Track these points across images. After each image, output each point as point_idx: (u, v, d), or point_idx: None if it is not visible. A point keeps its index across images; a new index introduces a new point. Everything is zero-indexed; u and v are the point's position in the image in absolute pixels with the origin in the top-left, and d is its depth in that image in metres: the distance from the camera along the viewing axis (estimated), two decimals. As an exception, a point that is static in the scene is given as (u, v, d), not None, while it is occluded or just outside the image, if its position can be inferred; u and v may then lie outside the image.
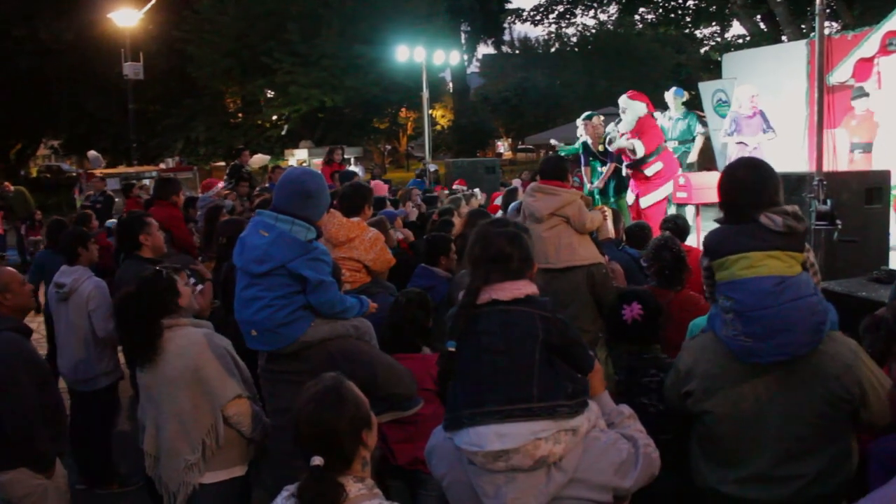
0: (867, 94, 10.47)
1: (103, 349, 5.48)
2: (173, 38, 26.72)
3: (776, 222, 2.69)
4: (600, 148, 10.74)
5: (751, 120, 10.39)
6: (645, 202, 9.69)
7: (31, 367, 3.81)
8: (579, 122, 11.37)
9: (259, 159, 13.56)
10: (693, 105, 12.00)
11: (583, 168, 11.29)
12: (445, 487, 2.40)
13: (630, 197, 10.14)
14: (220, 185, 10.65)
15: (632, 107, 9.68)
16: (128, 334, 3.63)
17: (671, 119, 11.30)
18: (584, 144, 11.08)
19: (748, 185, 2.81)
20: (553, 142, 12.46)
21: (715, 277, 2.84)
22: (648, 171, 9.56)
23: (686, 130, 11.15)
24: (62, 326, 5.53)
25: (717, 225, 2.93)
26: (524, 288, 2.29)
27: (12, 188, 18.55)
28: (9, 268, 4.11)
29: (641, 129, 9.58)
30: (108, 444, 5.80)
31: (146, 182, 15.00)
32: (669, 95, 11.23)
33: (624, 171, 10.13)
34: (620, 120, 9.81)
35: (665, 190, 9.54)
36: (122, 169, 18.79)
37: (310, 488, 2.12)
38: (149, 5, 23.11)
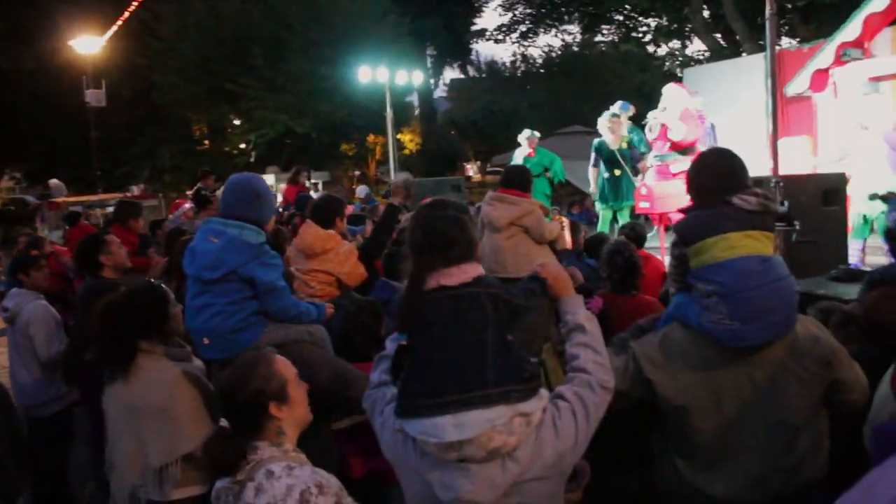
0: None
1: (52, 373, 5.30)
2: (137, 66, 26.57)
3: (750, 202, 2.71)
4: (623, 144, 10.65)
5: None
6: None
7: None
8: (523, 138, 11.41)
9: None
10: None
11: (590, 169, 11.15)
12: (399, 476, 2.33)
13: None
14: (188, 205, 10.48)
15: (672, 98, 9.64)
16: (102, 345, 3.44)
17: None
18: (602, 143, 10.93)
19: (722, 171, 2.83)
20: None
21: (690, 265, 2.80)
22: (673, 168, 9.44)
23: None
24: (11, 351, 5.38)
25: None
26: (471, 271, 2.23)
27: None
28: None
29: (685, 118, 9.47)
30: (65, 472, 5.63)
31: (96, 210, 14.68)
32: (616, 110, 11.09)
33: (648, 164, 9.93)
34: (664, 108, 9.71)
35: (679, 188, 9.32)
36: (84, 197, 18.54)
37: (211, 447, 2.35)
38: (111, 32, 22.94)
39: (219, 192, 13.19)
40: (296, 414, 2.49)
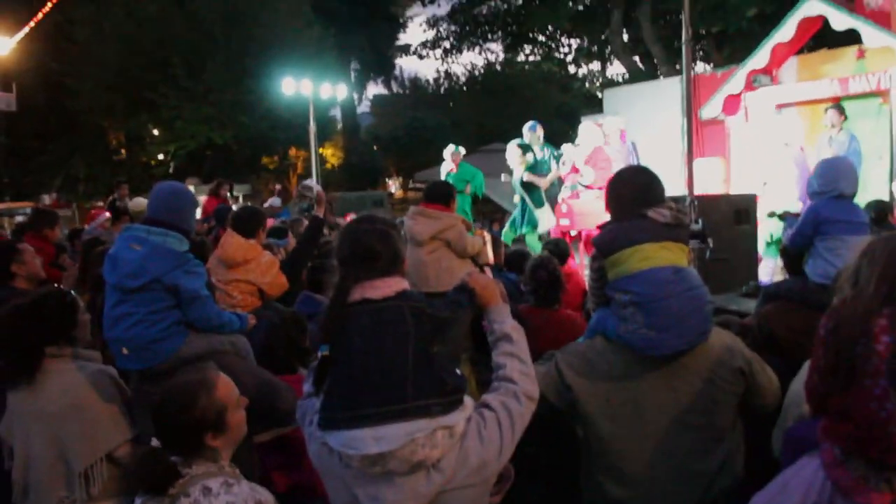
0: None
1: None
2: (50, 70, 25.70)
3: (665, 215, 2.85)
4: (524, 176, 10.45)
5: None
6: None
7: None
8: (447, 153, 11.39)
9: (138, 203, 13.01)
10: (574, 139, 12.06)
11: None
12: (326, 487, 2.32)
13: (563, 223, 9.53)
14: (106, 215, 10.22)
15: (585, 136, 9.69)
16: (7, 352, 3.28)
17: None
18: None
19: (638, 185, 2.97)
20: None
21: (608, 276, 2.90)
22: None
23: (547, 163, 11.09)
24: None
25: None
26: (395, 285, 2.26)
27: None
28: None
29: (594, 159, 9.49)
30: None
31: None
32: (526, 131, 11.15)
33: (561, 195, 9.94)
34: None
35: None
36: (-9, 206, 17.80)
37: (141, 465, 2.27)
38: (21, 34, 22.07)
39: (130, 203, 12.88)
40: (233, 437, 2.46)
